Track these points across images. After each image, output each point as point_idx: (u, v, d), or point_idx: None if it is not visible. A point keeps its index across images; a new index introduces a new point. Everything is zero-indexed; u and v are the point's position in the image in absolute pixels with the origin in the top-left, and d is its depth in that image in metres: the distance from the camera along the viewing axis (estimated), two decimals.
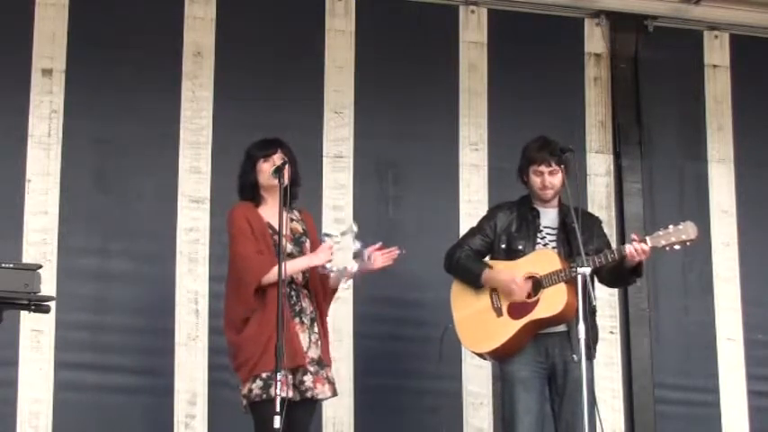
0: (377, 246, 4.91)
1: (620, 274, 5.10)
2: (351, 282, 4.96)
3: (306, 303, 4.82)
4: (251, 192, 4.89)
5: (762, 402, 6.45)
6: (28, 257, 5.53)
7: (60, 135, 5.80)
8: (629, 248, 4.90)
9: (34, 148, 5.77)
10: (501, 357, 5.11)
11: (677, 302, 6.52)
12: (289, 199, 4.73)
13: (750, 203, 6.67)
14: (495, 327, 5.04)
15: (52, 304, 4.43)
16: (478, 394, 6.08)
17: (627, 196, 6.48)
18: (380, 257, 4.91)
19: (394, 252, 4.95)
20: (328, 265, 4.80)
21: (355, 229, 4.84)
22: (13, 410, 5.53)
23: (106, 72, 5.89)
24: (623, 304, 6.34)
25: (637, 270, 5.07)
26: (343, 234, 4.86)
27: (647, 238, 4.95)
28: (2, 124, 5.75)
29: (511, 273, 5.03)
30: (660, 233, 4.94)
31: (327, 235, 4.86)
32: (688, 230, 4.91)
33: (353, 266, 4.85)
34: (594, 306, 4.80)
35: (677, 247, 4.94)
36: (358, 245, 4.84)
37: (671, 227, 4.93)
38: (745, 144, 6.73)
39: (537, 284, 4.99)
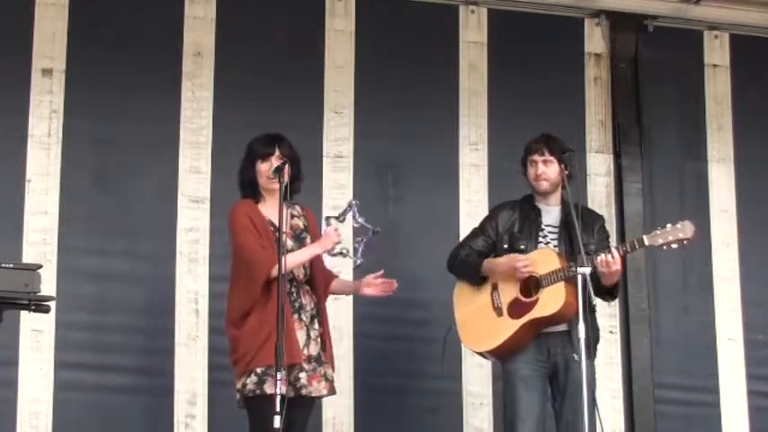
0: (378, 273, 4.93)
1: (596, 286, 4.97)
2: (361, 253, 4.91)
3: (306, 300, 4.82)
4: (251, 189, 4.89)
5: (762, 402, 6.45)
6: (28, 257, 5.53)
7: (60, 135, 5.80)
8: (600, 257, 4.87)
9: (34, 148, 5.77)
10: (501, 356, 5.11)
11: (677, 302, 6.52)
12: (289, 194, 4.75)
13: (750, 203, 6.67)
14: (495, 326, 5.04)
15: (52, 304, 4.43)
16: (478, 394, 6.08)
17: (627, 196, 6.48)
18: (379, 286, 4.95)
19: (393, 284, 4.97)
20: (337, 248, 4.78)
21: (355, 204, 4.83)
22: (13, 410, 5.53)
23: (106, 72, 5.89)
24: (623, 304, 6.34)
25: (611, 291, 5.06)
26: (343, 213, 4.84)
27: (645, 237, 4.94)
28: (2, 124, 5.75)
29: (508, 256, 5.02)
30: (657, 232, 4.93)
31: (329, 218, 4.85)
32: (685, 229, 4.90)
33: (360, 241, 4.83)
34: (594, 305, 4.80)
35: (675, 245, 4.93)
36: (360, 219, 4.82)
37: (668, 226, 4.92)
38: (745, 144, 6.73)
39: (536, 284, 4.99)
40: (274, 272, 4.61)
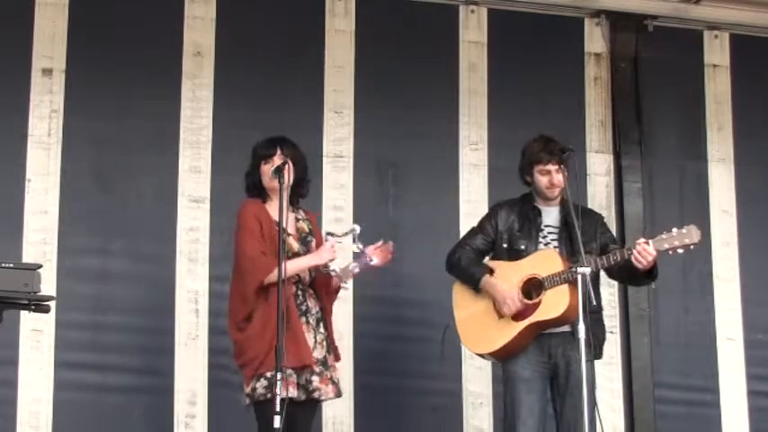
0: (378, 244, 4.92)
1: (631, 275, 5.08)
2: (350, 282, 4.96)
3: (311, 303, 4.83)
4: (257, 190, 4.90)
5: (762, 402, 6.45)
6: (28, 257, 5.53)
7: (60, 135, 5.80)
8: (634, 252, 4.87)
9: (34, 147, 5.77)
10: (502, 358, 5.10)
11: (677, 302, 6.52)
12: (293, 197, 4.81)
13: (750, 203, 6.66)
14: (496, 328, 5.03)
15: (52, 304, 4.43)
16: (479, 394, 6.08)
17: (627, 196, 6.48)
18: (380, 254, 4.91)
19: (389, 246, 4.93)
20: (331, 265, 4.80)
21: (358, 229, 4.84)
22: (13, 410, 5.53)
23: (106, 72, 5.89)
24: (623, 304, 6.34)
25: (650, 273, 5.04)
26: (345, 234, 4.86)
27: (651, 242, 4.92)
28: (2, 124, 5.75)
29: (509, 288, 5.01)
30: (663, 236, 4.90)
31: (330, 234, 4.86)
32: (692, 234, 4.87)
33: (356, 267, 4.85)
34: (596, 305, 4.81)
35: (680, 251, 4.91)
36: (360, 245, 4.83)
37: (674, 230, 4.89)
38: (745, 144, 6.73)
39: (539, 286, 4.98)
40: (268, 279, 4.64)
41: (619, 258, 4.91)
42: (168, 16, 6.04)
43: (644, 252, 4.86)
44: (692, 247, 4.90)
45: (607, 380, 6.18)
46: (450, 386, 6.04)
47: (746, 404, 6.44)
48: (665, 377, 6.36)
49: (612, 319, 6.26)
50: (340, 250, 4.87)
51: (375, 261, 4.82)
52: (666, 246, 4.89)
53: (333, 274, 4.83)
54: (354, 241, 4.82)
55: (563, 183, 5.09)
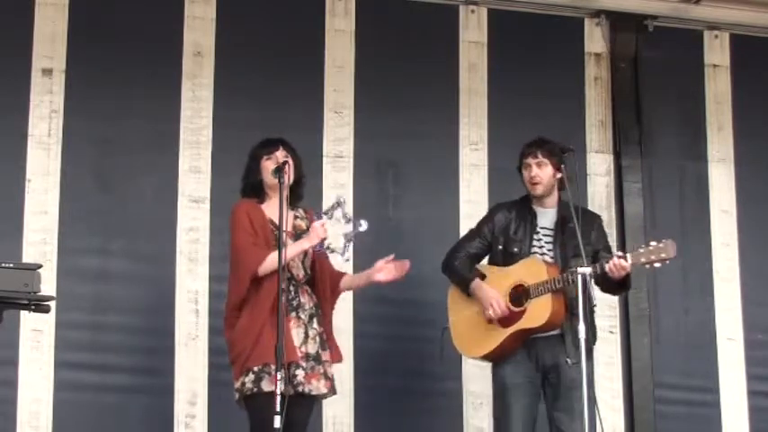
0: (389, 258, 4.93)
1: (606, 284, 5.12)
2: (350, 252, 4.91)
3: (304, 299, 4.84)
4: (255, 190, 4.91)
5: (762, 402, 6.45)
6: (28, 257, 5.53)
7: (60, 135, 5.80)
8: (608, 265, 4.91)
9: (34, 147, 5.77)
10: (492, 361, 5.18)
11: (677, 302, 6.52)
12: (292, 197, 4.80)
13: (750, 203, 6.66)
14: (484, 333, 5.09)
15: (52, 304, 4.43)
16: (479, 394, 6.07)
17: (627, 196, 6.48)
18: (392, 270, 4.93)
19: (405, 264, 4.94)
20: (325, 243, 4.80)
21: (343, 200, 4.84)
22: (13, 410, 5.53)
23: (106, 72, 5.89)
24: (623, 304, 6.34)
25: (623, 283, 5.08)
26: (331, 209, 4.85)
27: (628, 255, 4.96)
28: (2, 124, 5.75)
29: (495, 294, 5.06)
30: (641, 250, 4.95)
31: (319, 215, 4.86)
32: (668, 249, 4.90)
33: (349, 236, 4.83)
34: (594, 306, 4.82)
35: (657, 265, 4.95)
36: (350, 216, 4.83)
37: (652, 244, 4.94)
38: (745, 144, 6.73)
39: (526, 294, 5.02)
40: (262, 268, 4.68)
41: (598, 270, 4.93)
42: (168, 16, 6.05)
43: (618, 265, 4.90)
44: (667, 261, 4.94)
45: (607, 380, 6.19)
46: (450, 386, 6.04)
47: (746, 404, 6.44)
48: (665, 377, 6.36)
49: (612, 319, 6.28)
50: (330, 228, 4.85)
51: (364, 226, 4.79)
52: (643, 260, 4.93)
53: (330, 250, 4.83)
54: (344, 213, 4.80)
55: (545, 179, 5.11)
